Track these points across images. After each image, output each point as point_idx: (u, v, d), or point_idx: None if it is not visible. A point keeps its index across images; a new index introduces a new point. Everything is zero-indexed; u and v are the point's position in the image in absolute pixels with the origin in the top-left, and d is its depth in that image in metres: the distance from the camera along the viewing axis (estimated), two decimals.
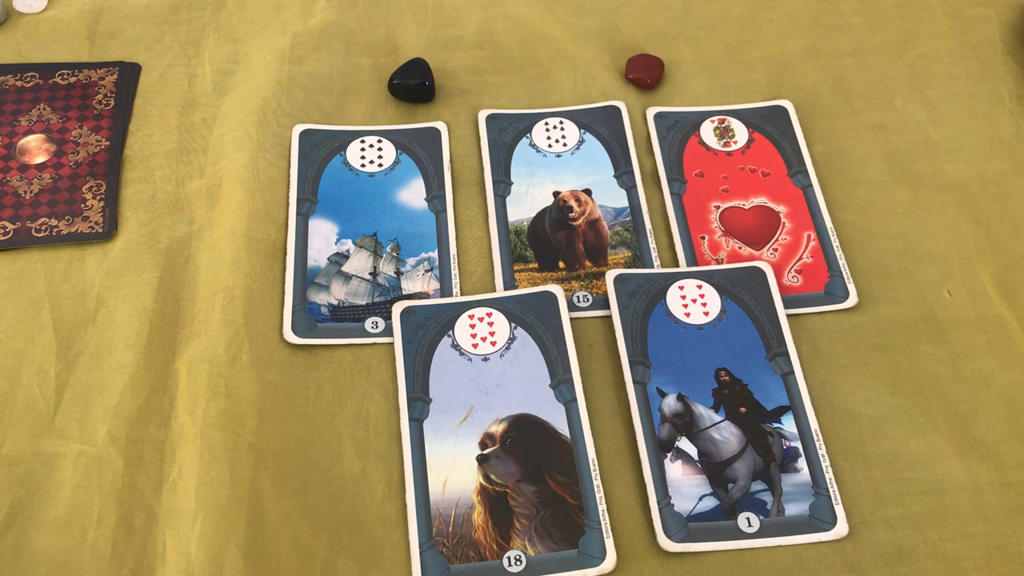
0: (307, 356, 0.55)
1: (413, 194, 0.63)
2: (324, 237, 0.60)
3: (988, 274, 0.59)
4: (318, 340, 0.55)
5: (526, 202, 0.62)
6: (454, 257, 0.60)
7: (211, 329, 0.54)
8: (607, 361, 0.55)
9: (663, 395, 0.53)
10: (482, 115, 0.66)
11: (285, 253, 0.59)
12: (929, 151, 0.65)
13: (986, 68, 0.70)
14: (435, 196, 0.62)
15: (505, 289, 0.58)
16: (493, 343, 0.55)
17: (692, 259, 0.59)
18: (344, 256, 0.59)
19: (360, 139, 0.65)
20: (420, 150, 0.64)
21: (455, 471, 0.51)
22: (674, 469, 0.51)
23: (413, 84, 0.66)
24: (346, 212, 0.61)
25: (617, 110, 0.66)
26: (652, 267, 0.59)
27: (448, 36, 0.71)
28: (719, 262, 0.59)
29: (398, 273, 0.59)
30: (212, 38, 0.70)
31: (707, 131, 0.66)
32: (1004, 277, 0.59)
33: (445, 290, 0.58)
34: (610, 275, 0.58)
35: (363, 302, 0.58)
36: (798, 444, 0.52)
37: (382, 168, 0.64)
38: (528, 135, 0.65)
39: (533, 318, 0.56)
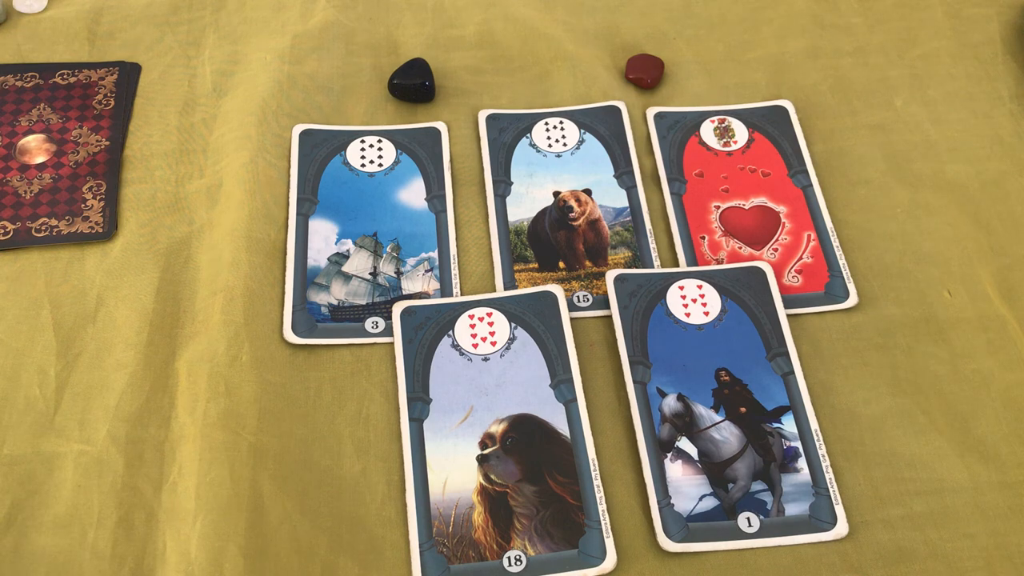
0: (307, 356, 0.55)
1: (413, 194, 0.63)
2: (324, 237, 0.60)
3: (988, 274, 0.59)
4: (318, 340, 0.55)
5: (526, 202, 0.62)
6: (454, 257, 0.60)
7: (211, 329, 0.54)
8: (607, 361, 0.55)
9: (663, 395, 0.53)
10: (482, 115, 0.66)
11: (285, 253, 0.59)
12: (929, 151, 0.65)
13: (986, 68, 0.70)
14: (435, 196, 0.62)
15: (505, 289, 0.58)
16: (493, 343, 0.55)
17: (692, 259, 0.59)
18: (344, 256, 0.59)
19: (360, 139, 0.65)
20: (420, 150, 0.64)
21: (455, 471, 0.51)
22: (674, 469, 0.51)
23: (413, 84, 0.66)
24: (346, 212, 0.61)
25: (617, 110, 0.66)
26: (652, 267, 0.59)
27: (448, 36, 0.71)
28: (719, 262, 0.59)
29: (398, 273, 0.59)
30: (212, 38, 0.70)
31: (707, 131, 0.66)
32: (1004, 277, 0.59)
33: (445, 290, 0.58)
34: (610, 275, 0.58)
35: (363, 302, 0.58)
36: (798, 444, 0.52)
37: (382, 168, 0.64)
38: (528, 135, 0.65)
39: (533, 318, 0.56)
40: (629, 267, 0.59)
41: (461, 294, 0.58)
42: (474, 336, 0.55)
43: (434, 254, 0.60)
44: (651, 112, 0.66)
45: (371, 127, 0.66)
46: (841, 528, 0.49)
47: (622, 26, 0.72)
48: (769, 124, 0.66)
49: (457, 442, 0.52)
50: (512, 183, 0.63)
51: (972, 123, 0.66)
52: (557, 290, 0.57)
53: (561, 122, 0.66)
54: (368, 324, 0.56)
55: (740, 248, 0.60)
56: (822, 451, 0.52)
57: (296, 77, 0.67)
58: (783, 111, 0.67)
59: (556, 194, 0.63)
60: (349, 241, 0.60)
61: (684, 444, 0.52)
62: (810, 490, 0.50)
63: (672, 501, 0.50)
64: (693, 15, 0.73)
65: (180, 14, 0.72)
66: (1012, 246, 0.60)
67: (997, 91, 0.68)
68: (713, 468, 0.51)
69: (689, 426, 0.52)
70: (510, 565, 0.48)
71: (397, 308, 0.56)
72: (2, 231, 0.59)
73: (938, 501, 0.50)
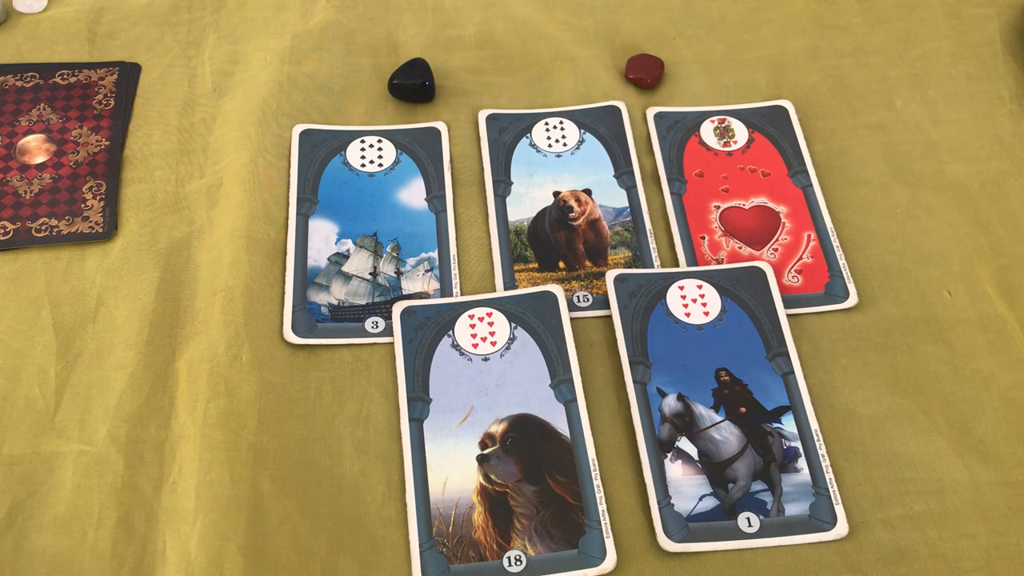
0: (307, 356, 0.55)
1: (413, 194, 0.63)
2: (324, 237, 0.60)
3: (988, 274, 0.59)
4: (318, 340, 0.55)
5: (526, 202, 0.62)
6: (454, 257, 0.60)
7: (211, 329, 0.54)
8: (607, 361, 0.55)
9: (663, 395, 0.53)
10: (482, 115, 0.66)
11: (285, 253, 0.59)
12: (929, 151, 0.65)
13: (986, 68, 0.70)
14: (435, 196, 0.62)
15: (505, 289, 0.58)
16: (493, 343, 0.55)
17: (692, 259, 0.59)
18: (344, 256, 0.59)
19: (360, 139, 0.65)
20: (420, 150, 0.64)
21: (455, 471, 0.51)
22: (674, 469, 0.51)
23: (413, 84, 0.66)
24: (346, 212, 0.61)
25: (617, 110, 0.66)
26: (652, 267, 0.59)
27: (448, 36, 0.71)
28: (719, 262, 0.59)
29: (398, 273, 0.59)
30: (212, 38, 0.70)
31: (707, 131, 0.66)
32: (1004, 277, 0.59)
33: (445, 290, 0.58)
34: (610, 275, 0.58)
35: (363, 302, 0.58)
36: (798, 444, 0.52)
37: (382, 168, 0.64)
38: (528, 135, 0.65)
39: (533, 318, 0.56)
40: (629, 267, 0.59)
41: (461, 294, 0.58)
42: (474, 336, 0.55)
43: (434, 254, 0.60)
44: (651, 112, 0.66)
45: (371, 127, 0.66)
46: (841, 528, 0.49)
47: (622, 26, 0.72)
48: (769, 124, 0.66)
49: (457, 442, 0.52)
50: (512, 183, 0.63)
51: (972, 123, 0.66)
52: (557, 290, 0.57)
53: (561, 122, 0.66)
54: (368, 324, 0.56)
55: (740, 248, 0.60)
56: (822, 451, 0.52)
57: (296, 77, 0.67)
58: (783, 111, 0.67)
59: (556, 194, 0.63)
60: (349, 241, 0.60)
61: (684, 444, 0.52)
62: (810, 490, 0.50)
63: (672, 501, 0.50)
64: (693, 15, 0.73)
65: (180, 14, 0.72)
66: (1012, 246, 0.60)
67: (997, 91, 0.68)
68: (713, 468, 0.51)
69: (689, 426, 0.52)
70: (510, 565, 0.48)
71: (397, 308, 0.56)
72: (2, 231, 0.59)
73: (938, 501, 0.50)
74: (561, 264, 0.60)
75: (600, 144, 0.65)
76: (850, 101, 0.68)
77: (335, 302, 0.57)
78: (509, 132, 0.65)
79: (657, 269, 0.59)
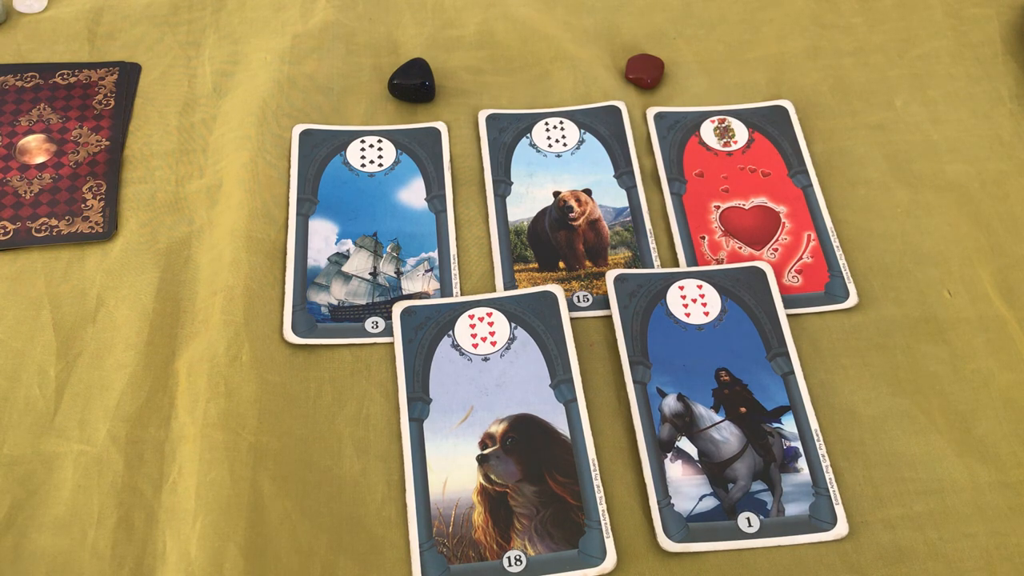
0: (307, 356, 0.55)
1: (413, 194, 0.63)
2: (324, 237, 0.60)
3: (988, 274, 0.59)
4: (318, 340, 0.56)
5: (526, 202, 0.62)
6: (454, 257, 0.60)
7: (211, 329, 0.54)
8: (607, 361, 0.55)
9: (663, 395, 0.53)
10: (482, 115, 0.66)
11: (285, 253, 0.59)
12: (929, 151, 0.65)
13: (986, 68, 0.70)
14: (435, 196, 0.62)
15: (505, 289, 0.58)
16: (493, 343, 0.55)
17: (692, 259, 0.59)
18: (344, 256, 0.59)
19: (360, 139, 0.65)
20: (420, 150, 0.64)
21: (455, 471, 0.51)
22: (674, 469, 0.51)
23: (413, 84, 0.66)
24: (346, 212, 0.61)
25: (617, 110, 0.66)
26: (652, 267, 0.59)
27: (448, 36, 0.71)
28: (719, 262, 0.59)
29: (398, 273, 0.59)
30: (212, 38, 0.70)
31: (707, 131, 0.66)
32: (1004, 277, 0.59)
33: (445, 290, 0.58)
34: (610, 275, 0.58)
35: (363, 302, 0.58)
36: (798, 444, 0.52)
37: (382, 168, 0.64)
38: (528, 135, 0.65)
39: (533, 318, 0.56)
40: (629, 267, 0.59)
41: (461, 294, 0.58)
42: (474, 336, 0.55)
43: (434, 254, 0.60)
44: (651, 112, 0.66)
45: (371, 127, 0.66)
46: (841, 528, 0.49)
47: (622, 26, 0.72)
48: (769, 124, 0.66)
49: (457, 442, 0.52)
50: (512, 183, 0.63)
51: (972, 123, 0.66)
52: (557, 290, 0.57)
53: (561, 122, 0.66)
54: (368, 324, 0.56)
55: (740, 248, 0.60)
56: (822, 451, 0.52)
57: (296, 77, 0.67)
58: (783, 111, 0.67)
59: (556, 194, 0.63)
60: (349, 241, 0.60)
61: (684, 444, 0.52)
62: (810, 490, 0.50)
63: (672, 501, 0.50)
64: (693, 15, 0.73)
65: (180, 14, 0.72)
66: (1012, 246, 0.60)
67: (997, 91, 0.68)
68: (713, 468, 0.51)
69: (689, 426, 0.52)
70: (510, 565, 0.48)
71: (397, 308, 0.56)
72: (2, 231, 0.59)
73: (938, 501, 0.50)
74: (561, 264, 0.60)
75: (600, 144, 0.65)
76: (850, 101, 0.68)
77: (335, 302, 0.57)
78: (509, 132, 0.65)
79: (657, 269, 0.59)
